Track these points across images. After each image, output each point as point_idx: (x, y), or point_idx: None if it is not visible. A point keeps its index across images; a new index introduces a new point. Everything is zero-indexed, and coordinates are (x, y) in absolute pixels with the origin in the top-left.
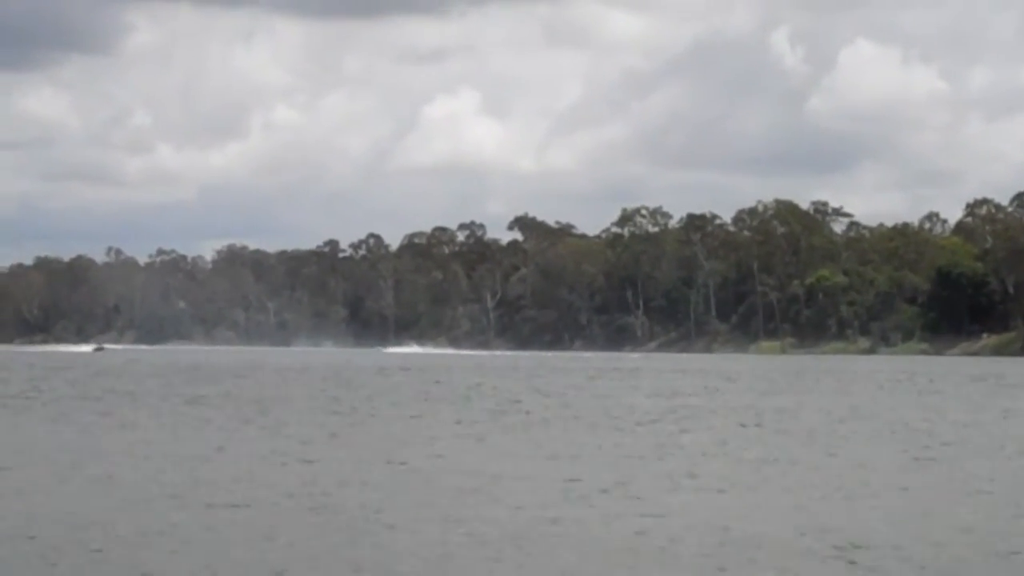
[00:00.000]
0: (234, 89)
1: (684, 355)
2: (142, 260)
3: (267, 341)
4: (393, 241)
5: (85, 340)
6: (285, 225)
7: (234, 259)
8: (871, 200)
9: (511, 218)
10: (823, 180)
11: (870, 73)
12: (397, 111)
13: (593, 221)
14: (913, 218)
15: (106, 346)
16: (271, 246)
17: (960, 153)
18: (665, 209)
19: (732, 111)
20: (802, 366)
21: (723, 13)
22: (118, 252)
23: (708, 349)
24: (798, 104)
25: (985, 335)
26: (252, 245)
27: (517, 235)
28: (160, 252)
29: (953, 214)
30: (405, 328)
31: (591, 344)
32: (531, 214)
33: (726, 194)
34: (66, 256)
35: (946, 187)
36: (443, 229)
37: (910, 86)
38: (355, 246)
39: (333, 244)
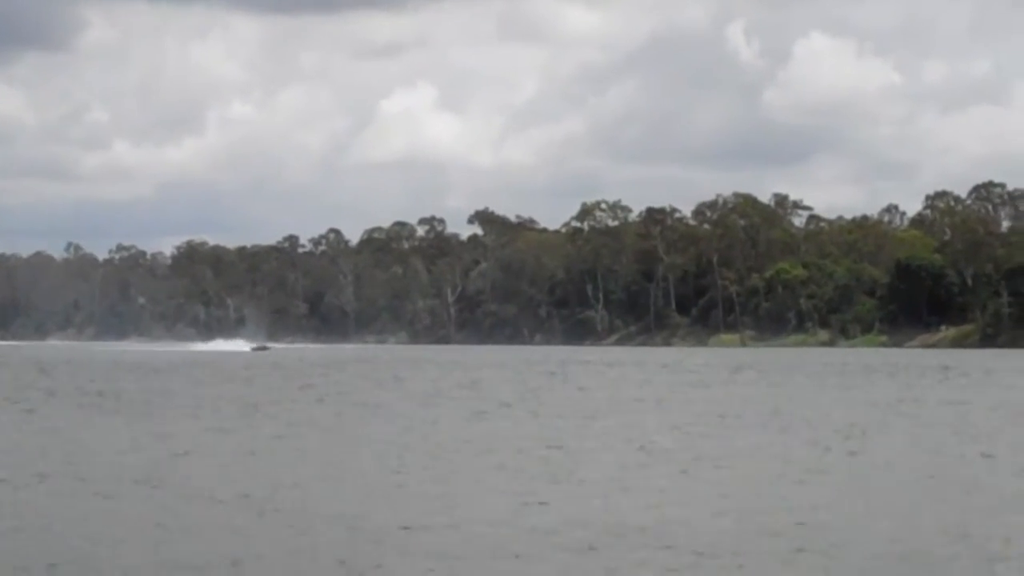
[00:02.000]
0: (190, 85)
1: (643, 348)
2: (101, 256)
3: (226, 336)
4: (353, 236)
5: (43, 337)
6: (244, 221)
7: (193, 255)
8: (828, 193)
9: (470, 212)
10: (780, 173)
11: (825, 66)
12: (354, 106)
13: (553, 215)
14: (871, 210)
15: (269, 345)
16: (230, 242)
17: (916, 146)
18: (625, 203)
19: (689, 105)
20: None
21: (679, 7)
22: (77, 248)
23: (668, 343)
24: (754, 97)
25: (944, 327)
26: (211, 241)
27: (477, 229)
28: (119, 248)
29: (911, 206)
30: (366, 323)
31: (551, 338)
32: (491, 208)
33: (685, 188)
34: (24, 253)
35: (902, 180)
36: (403, 224)
37: (865, 79)
38: (315, 241)
39: (292, 239)
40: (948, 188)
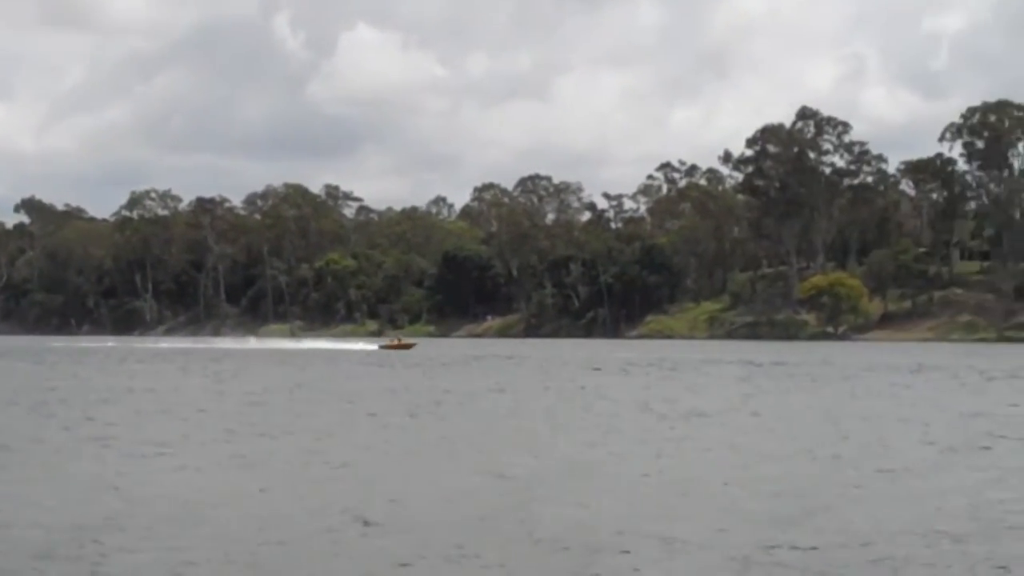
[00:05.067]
0: None
1: (191, 339)
2: None
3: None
4: None
5: None
6: None
7: None
8: (378, 184)
9: (16, 200)
10: (328, 165)
11: (370, 58)
12: None
13: (102, 205)
14: (420, 202)
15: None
16: None
17: (459, 138)
18: (175, 192)
19: (236, 95)
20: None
21: None
22: None
23: (217, 332)
24: (301, 88)
25: (490, 317)
26: None
27: (23, 218)
28: None
29: (460, 198)
30: None
31: (100, 328)
32: (37, 196)
33: (236, 178)
34: None
35: (447, 171)
36: None
37: (410, 71)
38: None
39: None
40: (495, 180)
